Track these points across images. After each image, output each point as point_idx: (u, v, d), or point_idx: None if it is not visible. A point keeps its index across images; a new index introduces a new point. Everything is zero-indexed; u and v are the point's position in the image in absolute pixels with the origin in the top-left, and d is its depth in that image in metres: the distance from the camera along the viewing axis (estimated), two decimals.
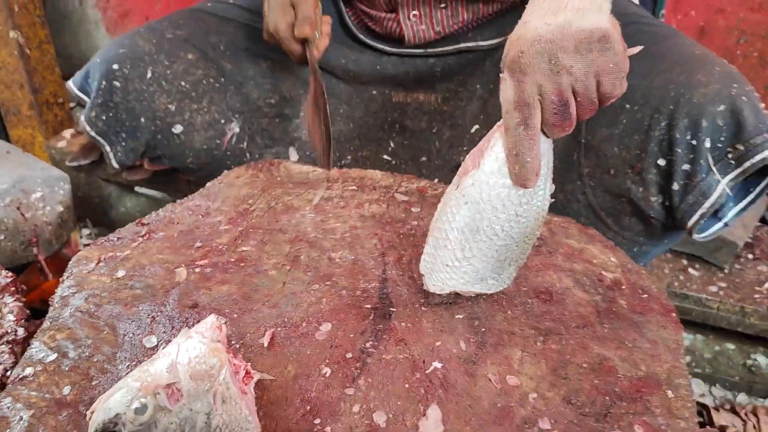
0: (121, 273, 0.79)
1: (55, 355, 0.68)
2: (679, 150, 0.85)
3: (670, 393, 0.68)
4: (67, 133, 1.73)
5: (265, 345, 0.68)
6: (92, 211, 1.69)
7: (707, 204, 0.84)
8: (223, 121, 1.14)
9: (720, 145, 0.83)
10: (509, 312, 0.74)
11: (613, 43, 0.63)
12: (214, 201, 0.93)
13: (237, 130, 1.15)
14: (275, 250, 0.82)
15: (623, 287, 0.80)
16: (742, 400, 1.34)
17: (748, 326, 1.26)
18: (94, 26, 2.26)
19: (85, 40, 2.29)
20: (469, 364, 0.67)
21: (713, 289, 1.28)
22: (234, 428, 0.57)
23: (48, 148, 1.67)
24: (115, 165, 1.16)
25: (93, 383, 0.65)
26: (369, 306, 0.73)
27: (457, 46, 1.13)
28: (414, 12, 1.10)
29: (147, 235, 0.86)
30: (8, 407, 0.63)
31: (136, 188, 1.69)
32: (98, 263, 0.81)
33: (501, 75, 0.66)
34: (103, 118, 1.11)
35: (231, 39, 1.16)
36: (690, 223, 0.87)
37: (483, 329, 0.72)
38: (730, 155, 0.83)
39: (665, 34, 0.96)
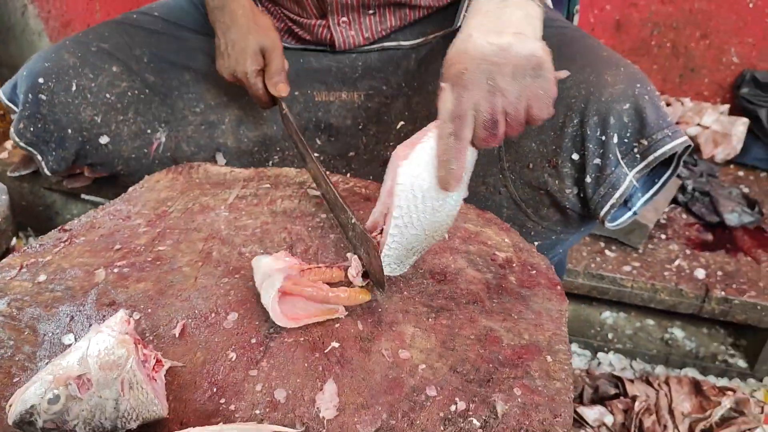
0: (42, 277, 0.83)
1: None
2: (591, 145, 0.92)
3: (549, 358, 0.75)
4: (9, 144, 1.75)
5: (177, 335, 0.73)
6: (36, 219, 1.72)
7: (617, 195, 0.92)
8: (149, 131, 1.17)
9: (626, 141, 0.91)
10: (405, 293, 0.81)
11: (545, 71, 0.71)
12: (134, 205, 0.98)
13: (163, 139, 1.19)
14: (189, 248, 0.87)
15: (514, 265, 0.87)
16: (660, 372, 1.43)
17: (659, 302, 1.35)
18: (38, 36, 2.27)
19: (29, 49, 2.31)
20: (364, 342, 0.74)
21: (627, 268, 1.37)
22: (141, 411, 0.62)
23: None
24: (48, 173, 1.19)
25: (14, 380, 0.70)
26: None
27: (380, 44, 1.19)
28: (343, 18, 1.16)
29: (69, 240, 0.90)
30: None
31: (83, 195, 1.72)
32: (20, 269, 0.85)
33: (442, 84, 0.72)
34: (32, 129, 1.14)
35: (155, 51, 1.19)
36: (602, 213, 0.95)
37: (380, 309, 0.78)
38: (635, 149, 0.91)
39: (574, 36, 1.04)
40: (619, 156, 0.92)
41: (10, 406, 0.62)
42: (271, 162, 1.23)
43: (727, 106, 1.78)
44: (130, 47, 1.18)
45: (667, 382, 1.29)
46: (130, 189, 1.02)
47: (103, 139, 1.15)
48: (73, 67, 1.13)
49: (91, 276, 0.83)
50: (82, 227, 0.93)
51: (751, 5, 1.70)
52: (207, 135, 1.20)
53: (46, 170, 1.19)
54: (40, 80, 1.11)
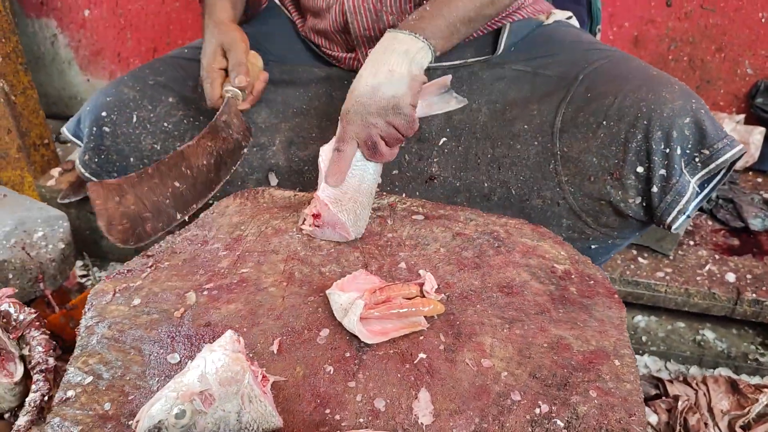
0: (136, 301, 0.89)
1: (90, 378, 0.78)
2: (656, 158, 1.00)
3: (617, 362, 0.81)
4: (55, 171, 1.82)
5: (275, 352, 0.80)
6: (84, 242, 1.78)
7: (683, 201, 1.00)
8: None
9: (688, 151, 0.99)
10: (478, 306, 0.87)
11: (402, 108, 0.97)
12: (209, 230, 1.04)
13: None
14: (271, 270, 0.93)
15: (572, 276, 0.94)
16: (695, 372, 1.49)
17: (693, 305, 1.41)
18: (67, 65, 2.34)
19: (58, 78, 2.38)
20: (449, 353, 0.80)
21: (660, 274, 1.43)
22: (261, 422, 0.68)
23: (38, 188, 1.75)
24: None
25: (129, 398, 0.76)
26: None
27: None
28: (371, 48, 1.23)
29: (154, 265, 0.96)
30: (58, 425, 0.73)
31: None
32: (114, 294, 0.91)
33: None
34: (96, 160, 1.21)
35: None
36: (669, 219, 1.02)
37: (458, 322, 0.84)
38: (696, 159, 0.99)
39: (621, 57, 1.13)
40: (683, 165, 1.00)
41: (137, 422, 0.68)
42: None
43: (742, 116, 1.85)
44: (184, 79, 1.25)
45: (704, 382, 1.35)
46: (202, 215, 1.08)
47: None
48: (133, 100, 1.20)
49: (182, 299, 0.89)
50: (163, 253, 0.99)
51: (763, 20, 1.78)
52: (259, 156, 1.27)
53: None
54: (104, 113, 1.18)
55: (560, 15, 1.33)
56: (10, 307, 0.98)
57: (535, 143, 1.13)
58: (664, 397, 1.31)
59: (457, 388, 0.76)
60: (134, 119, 1.20)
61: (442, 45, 1.06)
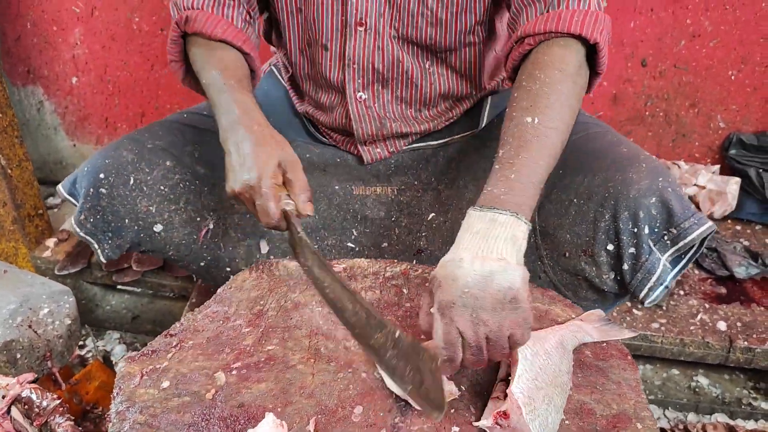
0: (165, 383, 0.90)
1: None
2: (624, 237, 1.02)
3: (639, 425, 0.85)
4: (50, 242, 1.81)
5: (312, 431, 0.81)
6: (80, 312, 1.76)
7: (653, 278, 1.03)
8: (199, 219, 1.26)
9: (657, 230, 1.02)
10: None
11: (521, 302, 0.80)
12: (229, 306, 1.06)
13: (212, 226, 1.27)
14: (297, 346, 0.95)
15: None
16: (692, 419, 1.53)
17: (689, 355, 1.46)
18: (53, 131, 2.35)
19: (44, 144, 2.38)
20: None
21: (655, 325, 1.48)
22: None
23: (33, 259, 1.75)
24: (103, 260, 1.27)
25: None
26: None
27: (409, 147, 1.31)
28: (370, 142, 1.29)
29: (178, 345, 0.97)
30: None
31: (119, 286, 1.77)
32: (142, 377, 0.92)
33: (432, 310, 0.83)
34: (91, 220, 1.21)
35: (205, 147, 1.29)
36: (641, 295, 1.05)
37: (485, 393, 0.87)
38: (665, 237, 1.02)
39: (596, 133, 1.16)
40: (652, 244, 1.02)
41: None
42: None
43: (717, 167, 1.95)
44: (182, 144, 1.27)
45: (704, 430, 1.40)
46: (220, 290, 1.10)
47: (157, 228, 1.23)
48: (131, 163, 1.21)
49: (212, 379, 0.90)
50: (185, 331, 1.00)
51: (732, 77, 1.89)
52: (252, 223, 1.29)
53: (102, 258, 1.26)
54: (101, 175, 1.19)
55: None
56: (32, 393, 0.98)
57: None
58: None
59: None
60: (131, 182, 1.21)
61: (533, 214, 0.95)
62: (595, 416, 0.85)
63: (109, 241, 1.24)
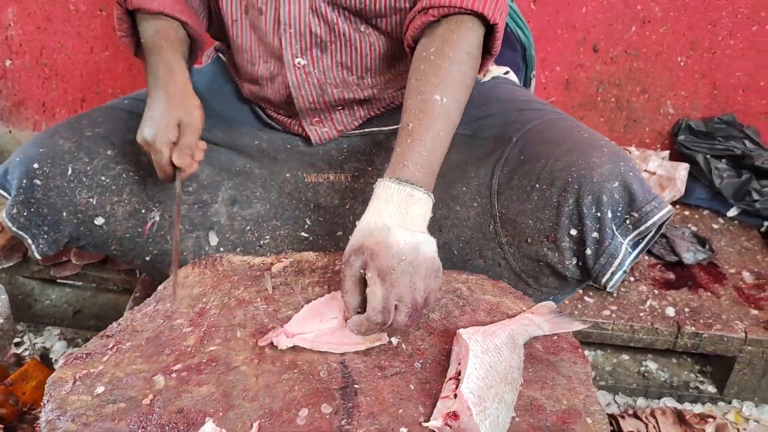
0: (100, 389, 0.85)
1: None
2: (588, 221, 1.02)
3: (588, 420, 0.84)
4: None
5: None
6: (16, 308, 1.69)
7: (616, 263, 1.03)
8: (143, 211, 1.21)
9: (619, 214, 1.02)
10: None
11: (440, 272, 0.91)
12: (170, 304, 1.01)
13: (157, 218, 1.22)
14: (240, 347, 0.91)
15: None
16: (642, 404, 1.55)
17: (638, 341, 1.48)
18: None
19: None
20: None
21: (606, 312, 1.49)
22: None
23: None
24: (38, 256, 1.20)
25: None
26: (336, 387, 0.85)
27: (360, 131, 1.28)
28: (315, 118, 1.25)
29: (115, 347, 0.93)
30: None
31: (59, 279, 1.70)
32: (74, 382, 0.86)
33: (368, 276, 0.88)
34: (24, 213, 1.14)
35: None
36: (604, 279, 1.05)
37: (434, 391, 0.85)
38: (627, 221, 1.02)
39: (552, 119, 1.15)
40: (614, 228, 1.02)
41: None
42: (262, 241, 1.28)
43: (667, 152, 1.97)
44: (124, 131, 1.21)
45: (653, 415, 1.41)
46: (160, 287, 1.05)
47: (98, 221, 1.18)
48: (68, 152, 1.15)
49: (150, 383, 0.86)
50: (123, 332, 0.96)
51: (681, 63, 1.91)
52: (201, 214, 1.25)
53: (36, 254, 1.20)
54: (35, 165, 1.13)
55: (497, 71, 1.38)
56: None
57: (475, 204, 1.15)
58: None
59: None
60: (69, 172, 1.14)
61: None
62: (546, 412, 0.84)
63: (45, 236, 1.17)
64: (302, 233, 1.30)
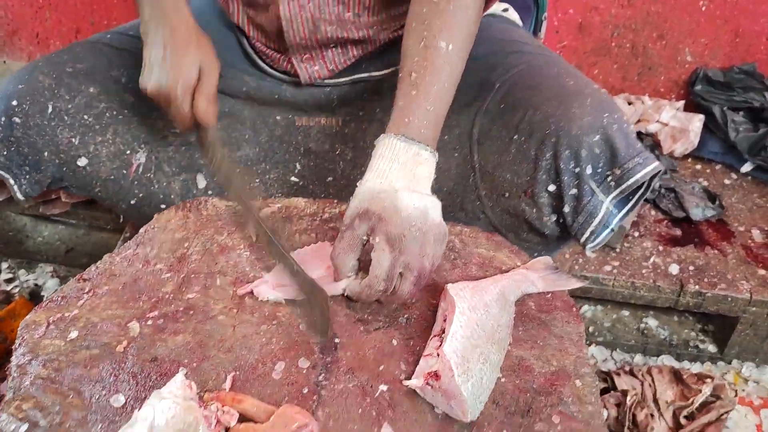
0: (73, 334, 0.82)
1: (26, 426, 0.72)
2: (565, 177, 0.96)
3: (578, 382, 0.81)
4: None
5: (227, 389, 0.75)
6: (7, 244, 1.67)
7: (595, 222, 0.97)
8: (128, 152, 1.16)
9: (600, 170, 0.96)
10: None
11: (446, 238, 0.86)
12: (151, 248, 0.97)
13: (143, 160, 1.17)
14: (219, 295, 0.88)
15: None
16: (639, 361, 1.53)
17: (639, 298, 1.44)
18: None
19: None
20: None
21: (608, 268, 1.45)
22: None
23: None
24: (21, 197, 1.16)
25: None
26: (315, 340, 0.81)
27: (351, 77, 1.21)
28: (306, 55, 1.17)
29: (91, 291, 0.89)
30: None
31: (49, 216, 1.67)
32: (48, 326, 0.84)
33: (375, 241, 0.82)
34: (5, 153, 1.10)
35: (132, 71, 1.16)
36: (583, 239, 1.00)
37: (418, 348, 0.82)
38: (609, 178, 0.96)
39: (541, 64, 1.07)
40: (594, 186, 0.96)
41: None
42: (251, 185, 1.24)
43: (682, 103, 1.88)
44: (108, 68, 1.15)
45: (649, 372, 1.39)
46: (141, 230, 1.01)
47: (81, 162, 1.13)
48: (49, 89, 1.09)
49: (124, 330, 0.83)
50: (101, 276, 0.92)
51: (703, 8, 1.80)
52: (188, 156, 1.20)
53: (19, 195, 1.15)
54: (14, 103, 1.08)
55: (495, 7, 1.29)
56: None
57: (456, 155, 1.10)
58: (612, 392, 1.34)
59: (420, 422, 0.74)
60: (49, 110, 1.09)
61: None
62: (533, 373, 0.81)
63: (27, 176, 1.13)
64: (292, 178, 1.25)
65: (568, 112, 0.95)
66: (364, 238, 0.83)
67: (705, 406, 1.32)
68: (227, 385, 0.75)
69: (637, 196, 0.99)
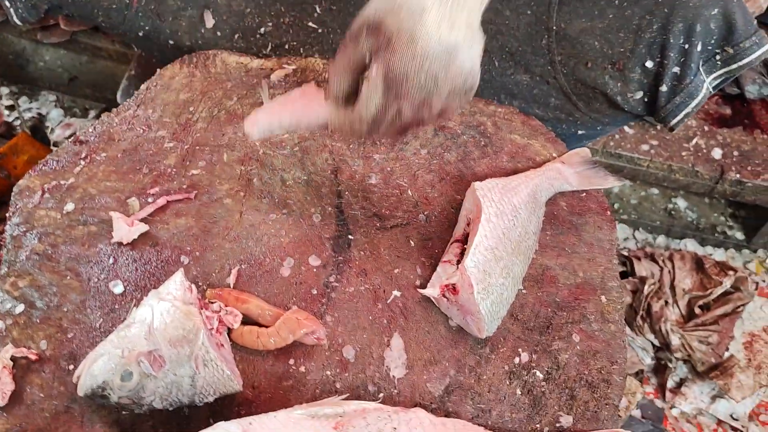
0: (70, 206, 0.77)
1: (22, 306, 0.69)
2: (671, 53, 0.87)
3: (603, 298, 0.76)
4: None
5: (231, 285, 0.71)
6: (7, 67, 1.57)
7: (693, 104, 0.89)
8: None
9: (710, 47, 0.86)
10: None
11: (473, 90, 0.63)
12: (153, 110, 0.88)
13: None
14: (226, 173, 0.81)
15: None
16: (661, 242, 1.48)
17: (674, 181, 1.35)
18: None
19: None
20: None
21: (645, 147, 1.35)
22: (218, 387, 0.62)
23: None
24: (17, 21, 1.08)
25: (68, 335, 0.68)
26: (328, 236, 0.75)
27: None
28: None
29: (88, 157, 0.83)
30: None
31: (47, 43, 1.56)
32: (43, 194, 0.78)
33: (372, 74, 0.62)
34: None
35: None
36: (674, 121, 0.91)
37: (437, 250, 0.76)
38: (717, 57, 0.87)
39: None
40: (700, 63, 0.88)
41: (78, 377, 0.61)
42: (263, 29, 1.10)
43: None
44: None
45: (671, 258, 1.34)
46: (143, 87, 0.92)
47: None
48: None
49: (124, 206, 0.77)
50: (99, 139, 0.85)
51: None
52: None
53: (15, 19, 1.07)
54: None
55: None
56: None
57: (528, 12, 0.97)
58: (630, 277, 1.31)
59: (432, 333, 0.70)
60: None
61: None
62: (557, 285, 0.76)
63: (24, 0, 1.03)
64: (310, 23, 1.12)
65: None
66: (367, 57, 0.65)
67: (722, 297, 1.29)
68: (232, 279, 0.71)
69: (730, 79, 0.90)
